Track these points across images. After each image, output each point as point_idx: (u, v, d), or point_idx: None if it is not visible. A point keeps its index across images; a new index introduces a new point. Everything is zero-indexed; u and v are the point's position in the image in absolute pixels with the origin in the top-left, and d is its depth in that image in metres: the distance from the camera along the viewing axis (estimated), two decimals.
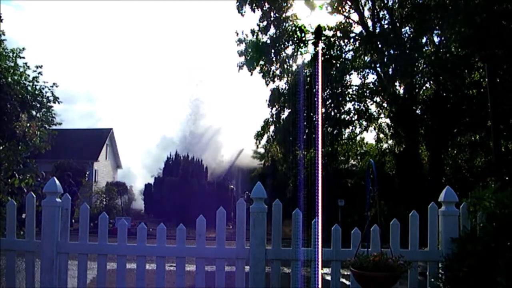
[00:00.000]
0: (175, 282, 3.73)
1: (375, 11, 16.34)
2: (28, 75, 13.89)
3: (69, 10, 70.97)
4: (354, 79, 21.81)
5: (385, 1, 16.16)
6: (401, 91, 16.08)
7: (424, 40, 15.78)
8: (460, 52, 13.90)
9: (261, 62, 16.49)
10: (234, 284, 3.67)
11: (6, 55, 13.33)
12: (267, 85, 16.83)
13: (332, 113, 15.95)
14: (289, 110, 16.33)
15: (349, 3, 16.35)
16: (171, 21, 78.59)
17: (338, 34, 16.18)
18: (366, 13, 16.63)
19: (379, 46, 15.38)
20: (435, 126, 14.94)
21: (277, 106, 16.73)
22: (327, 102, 15.81)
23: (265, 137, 17.70)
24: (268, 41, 16.33)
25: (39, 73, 14.01)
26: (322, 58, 14.90)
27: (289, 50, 16.65)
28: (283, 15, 16.17)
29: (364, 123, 17.07)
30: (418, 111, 16.13)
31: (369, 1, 16.39)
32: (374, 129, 17.39)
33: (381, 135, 17.60)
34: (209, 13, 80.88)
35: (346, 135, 17.34)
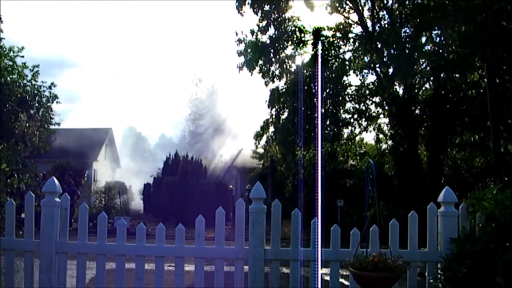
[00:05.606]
0: (174, 282, 3.73)
1: (375, 11, 16.32)
2: (26, 75, 13.81)
3: (69, 9, 71.01)
4: (354, 79, 21.82)
5: (385, 1, 16.14)
6: (401, 91, 16.08)
7: (424, 40, 15.78)
8: (460, 51, 13.89)
9: (260, 62, 16.47)
10: (233, 284, 3.68)
11: (4, 54, 13.24)
12: (267, 85, 16.81)
13: (332, 113, 15.93)
14: (288, 110, 16.30)
15: (349, 4, 16.34)
16: (171, 21, 78.68)
17: (338, 34, 16.18)
18: (366, 13, 16.60)
19: (379, 46, 15.36)
20: (435, 126, 14.92)
21: (276, 107, 16.70)
22: (327, 102, 15.79)
23: (264, 137, 17.66)
24: (268, 41, 16.31)
25: (37, 72, 13.93)
26: (322, 59, 14.88)
27: (289, 50, 16.65)
28: (283, 16, 16.16)
29: (364, 123, 17.04)
30: (417, 111, 16.11)
31: (369, 1, 16.38)
32: (374, 129, 17.37)
33: (381, 136, 17.58)
34: (209, 13, 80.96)
35: (345, 135, 17.32)
